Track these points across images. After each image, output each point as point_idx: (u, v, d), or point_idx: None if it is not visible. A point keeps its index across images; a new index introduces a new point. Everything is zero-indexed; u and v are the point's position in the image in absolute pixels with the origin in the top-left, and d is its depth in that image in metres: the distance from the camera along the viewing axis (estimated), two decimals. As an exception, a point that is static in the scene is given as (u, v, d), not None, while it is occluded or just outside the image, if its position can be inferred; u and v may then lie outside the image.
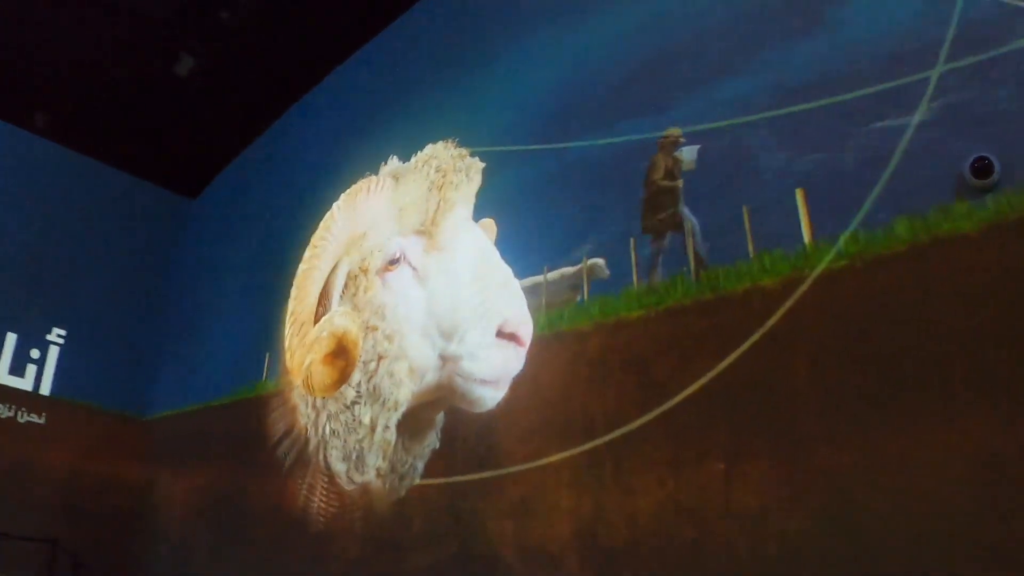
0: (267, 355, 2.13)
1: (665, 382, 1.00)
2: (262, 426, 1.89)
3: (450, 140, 1.41)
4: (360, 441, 1.50)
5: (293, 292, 1.50)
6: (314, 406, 1.60)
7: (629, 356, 1.07)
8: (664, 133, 1.09)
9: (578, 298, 1.16)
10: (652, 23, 1.19)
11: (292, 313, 1.45)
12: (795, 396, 0.87)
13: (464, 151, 1.42)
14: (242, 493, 1.95)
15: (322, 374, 1.34)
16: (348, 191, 1.54)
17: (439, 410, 1.43)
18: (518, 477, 1.19)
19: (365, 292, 1.45)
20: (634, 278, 1.05)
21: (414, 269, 1.43)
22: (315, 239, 1.51)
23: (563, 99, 1.35)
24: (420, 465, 1.45)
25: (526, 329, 1.18)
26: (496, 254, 1.29)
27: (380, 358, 1.39)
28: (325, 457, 1.62)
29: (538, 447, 1.17)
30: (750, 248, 0.97)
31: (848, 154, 0.90)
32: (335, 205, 1.51)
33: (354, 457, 1.54)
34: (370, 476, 1.49)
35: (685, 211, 1.00)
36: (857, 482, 0.80)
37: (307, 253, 1.45)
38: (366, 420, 1.46)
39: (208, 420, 2.18)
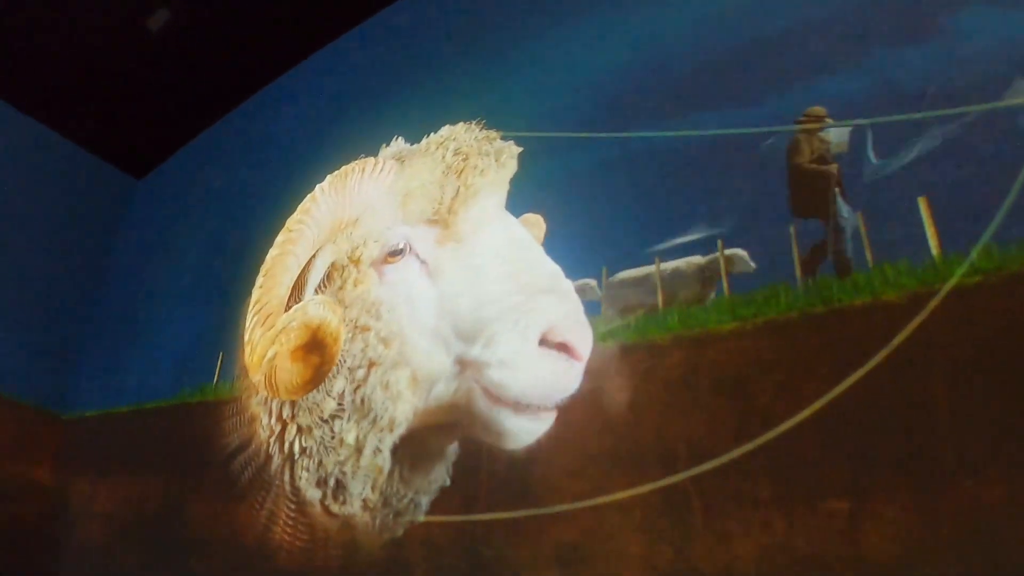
0: (220, 355, 1.80)
1: (769, 407, 0.88)
2: (210, 437, 1.58)
3: (473, 122, 1.27)
4: (341, 464, 1.22)
5: (260, 280, 1.24)
6: (279, 417, 1.31)
7: (721, 376, 0.94)
8: (804, 113, 0.99)
9: (711, 294, 0.99)
10: (744, 8, 1.14)
11: (257, 302, 1.18)
12: (931, 423, 0.77)
13: (493, 133, 1.27)
14: (179, 513, 1.62)
15: (290, 371, 1.07)
16: (336, 173, 1.33)
17: (450, 440, 1.17)
18: (567, 517, 0.99)
19: (355, 286, 1.21)
20: (796, 273, 0.90)
21: (423, 263, 1.21)
22: (291, 223, 1.27)
23: (627, 83, 1.25)
24: (424, 501, 1.21)
25: (580, 338, 1.00)
26: (539, 249, 1.14)
27: (372, 364, 1.14)
28: (292, 480, 1.32)
29: (596, 482, 0.99)
30: (868, 258, 0.89)
31: (972, 166, 0.86)
32: (318, 187, 1.30)
33: (332, 483, 1.25)
34: (354, 508, 1.22)
35: (840, 202, 0.89)
36: (1011, 520, 0.70)
37: (280, 238, 1.22)
38: (350, 439, 1.19)
39: (142, 424, 1.85)
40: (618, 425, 1.01)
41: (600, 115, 1.31)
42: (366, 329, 1.18)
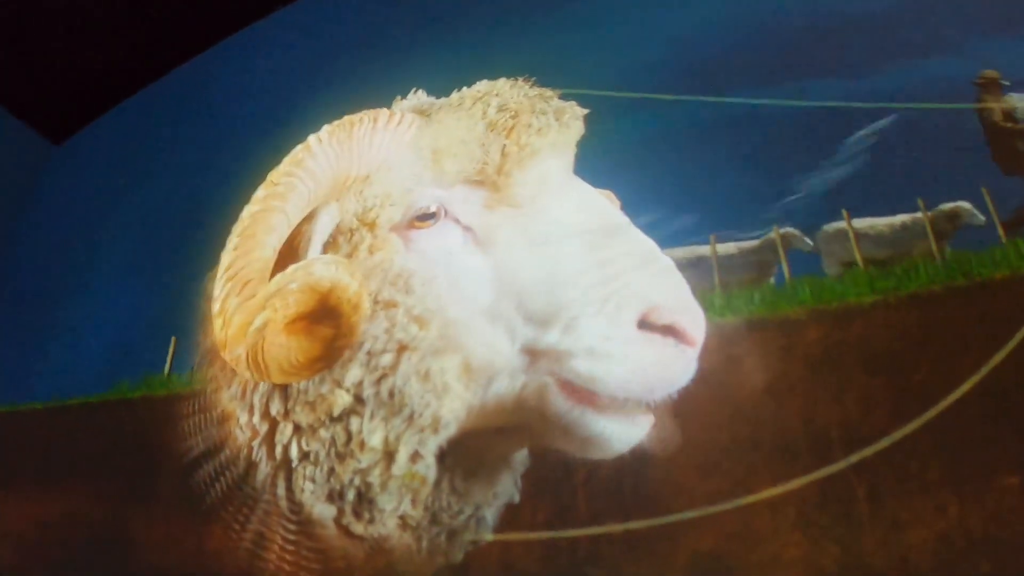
0: (173, 340, 1.51)
1: (925, 383, 0.86)
2: (160, 439, 1.29)
3: (520, 78, 1.16)
4: (363, 473, 0.98)
5: (233, 241, 0.99)
6: (266, 414, 1.05)
7: (870, 352, 0.90)
8: (980, 76, 1.00)
9: (771, 278, 0.98)
10: None
11: (229, 267, 0.92)
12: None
13: (548, 91, 1.16)
14: (120, 536, 1.32)
15: (286, 346, 0.83)
16: (336, 123, 1.13)
17: (516, 447, 1.00)
18: (703, 523, 0.89)
19: (370, 253, 1.00)
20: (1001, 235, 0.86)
21: (466, 229, 1.05)
22: (276, 176, 1.05)
23: (723, 42, 1.21)
24: (488, 515, 1.01)
25: (692, 320, 0.90)
26: (625, 220, 1.04)
27: (403, 349, 0.93)
28: (290, 493, 1.05)
29: (735, 479, 0.90)
30: (1000, 233, 0.93)
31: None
32: (313, 138, 1.10)
33: (351, 496, 1.00)
34: (388, 527, 0.97)
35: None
36: None
37: (261, 193, 0.99)
38: (375, 441, 0.95)
39: (64, 424, 1.52)
40: (756, 411, 0.92)
41: (686, 77, 1.26)
42: (391, 305, 0.97)
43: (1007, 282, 0.90)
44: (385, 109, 1.13)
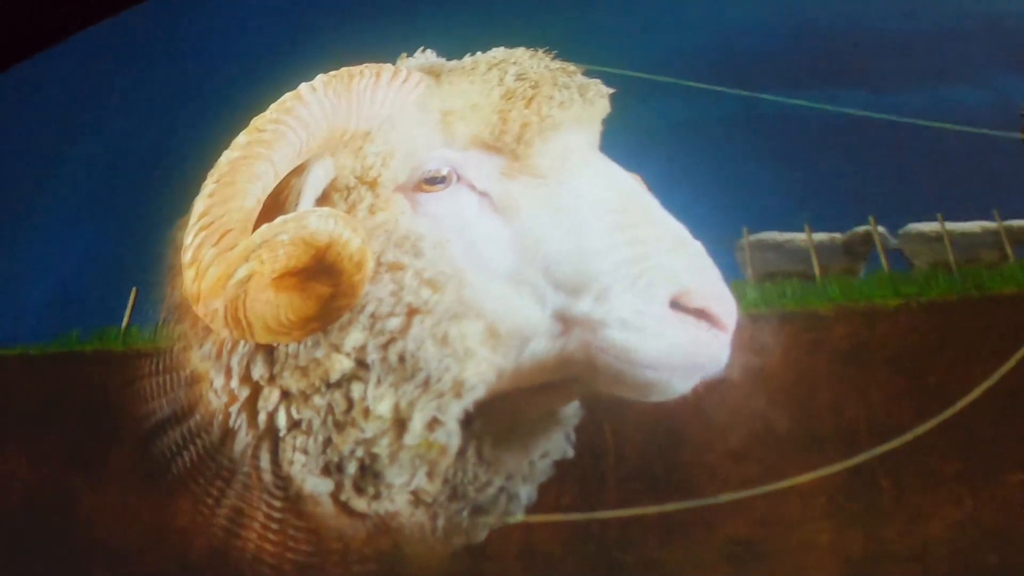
0: (134, 291, 1.33)
1: (942, 385, 0.95)
2: (117, 399, 1.13)
3: (539, 49, 1.16)
4: (367, 443, 0.92)
5: (209, 188, 0.93)
6: (246, 378, 0.95)
7: (893, 352, 0.99)
8: None
9: (861, 271, 1.03)
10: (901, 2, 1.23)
11: (204, 215, 0.86)
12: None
13: (571, 66, 1.17)
14: (68, 508, 1.15)
15: (274, 303, 0.77)
16: (334, 74, 1.10)
17: (565, 400, 0.97)
18: (737, 508, 0.91)
19: (371, 213, 0.97)
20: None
21: (482, 195, 1.05)
22: (262, 123, 1.00)
23: (760, 40, 1.25)
24: (523, 492, 0.97)
25: (724, 307, 0.94)
26: (654, 202, 1.06)
27: (413, 312, 0.90)
28: (275, 466, 0.96)
29: (768, 465, 0.93)
30: (1008, 251, 1.04)
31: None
32: (306, 86, 1.06)
33: (352, 470, 0.94)
34: (396, 504, 0.91)
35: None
36: None
37: (243, 139, 0.94)
38: (382, 409, 0.90)
39: (6, 375, 1.29)
40: (787, 401, 0.97)
41: (718, 69, 1.30)
42: (398, 267, 0.94)
43: (1015, 298, 1.01)
44: (389, 65, 1.09)
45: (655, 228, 0.96)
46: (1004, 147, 1.13)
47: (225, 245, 0.84)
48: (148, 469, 1.08)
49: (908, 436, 0.92)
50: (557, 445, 1.00)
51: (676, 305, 0.88)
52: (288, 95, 0.98)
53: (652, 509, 0.91)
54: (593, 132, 1.08)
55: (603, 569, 0.92)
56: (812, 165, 1.17)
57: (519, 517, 0.95)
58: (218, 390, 1.04)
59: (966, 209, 1.08)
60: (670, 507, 0.91)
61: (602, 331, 0.87)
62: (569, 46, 1.28)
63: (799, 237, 1.11)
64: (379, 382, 0.92)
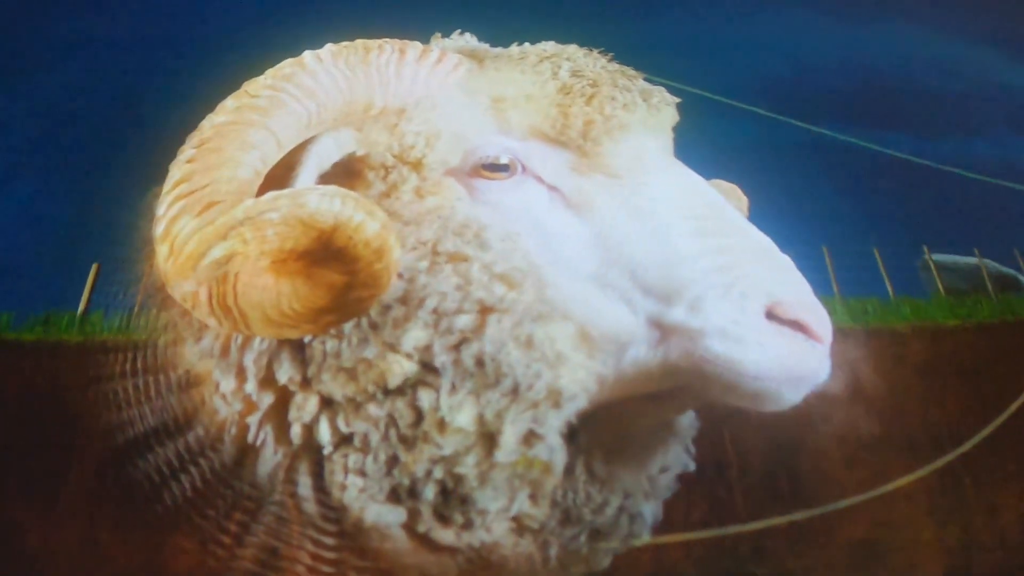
0: (94, 267, 1.07)
1: (999, 393, 1.16)
2: (75, 406, 0.86)
3: (593, 49, 1.25)
4: (448, 462, 0.85)
5: (189, 153, 0.87)
6: (268, 380, 0.84)
7: (959, 366, 1.19)
8: None
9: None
10: (952, 59, 1.52)
11: (182, 182, 0.79)
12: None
13: (630, 70, 1.26)
14: (11, 545, 0.81)
15: (274, 291, 0.71)
16: (345, 45, 1.10)
17: (679, 410, 0.99)
18: (853, 514, 1.01)
19: (419, 196, 0.96)
20: None
21: (552, 189, 1.08)
22: (254, 88, 0.96)
23: (824, 81, 1.48)
24: (647, 510, 0.95)
25: (818, 318, 1.06)
26: (738, 214, 1.16)
27: (487, 311, 0.86)
28: (319, 492, 0.83)
29: (875, 469, 1.05)
30: None
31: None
32: (310, 55, 1.04)
33: (429, 495, 0.84)
34: (494, 534, 0.84)
35: None
36: None
37: (230, 102, 0.88)
38: (462, 420, 0.83)
39: None
40: (883, 410, 1.13)
41: (786, 99, 1.48)
42: (460, 258, 0.91)
43: None
44: (416, 42, 1.09)
45: (741, 237, 1.03)
46: (1010, 196, 1.46)
47: (209, 219, 0.78)
48: (124, 497, 0.90)
49: (976, 439, 1.14)
50: (677, 458, 1.01)
51: (771, 316, 0.97)
52: (288, 61, 0.91)
53: (781, 519, 1.00)
54: (665, 138, 1.15)
55: (741, 583, 0.98)
56: (867, 195, 1.40)
57: (645, 539, 0.97)
58: (228, 395, 0.88)
59: (992, 247, 1.39)
60: (797, 516, 1.01)
61: (702, 341, 0.90)
62: (649, 60, 1.39)
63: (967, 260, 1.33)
64: (454, 389, 0.83)
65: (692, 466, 1.06)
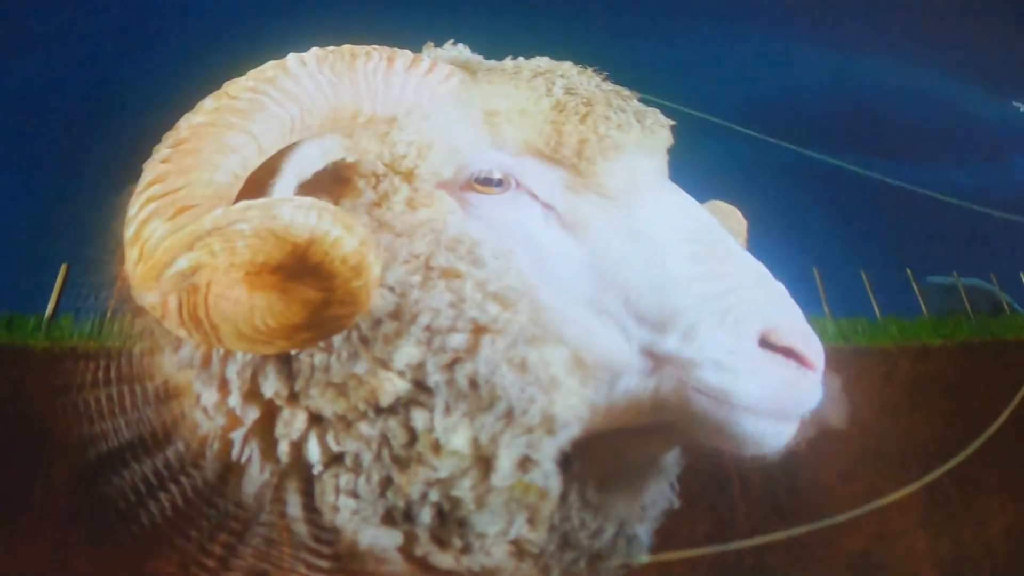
0: (63, 268, 1.02)
1: (980, 409, 1.24)
2: (41, 417, 0.81)
3: (588, 68, 1.30)
4: (444, 485, 0.85)
5: (163, 153, 0.87)
6: (252, 393, 0.83)
7: (944, 383, 1.26)
8: None
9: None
10: (943, 92, 1.70)
11: (155, 182, 0.78)
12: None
13: (625, 90, 1.30)
14: None
15: (247, 304, 0.70)
16: (329, 50, 1.11)
17: (664, 447, 1.01)
18: (854, 526, 1.06)
19: (410, 207, 0.97)
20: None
21: (547, 207, 1.10)
22: (234, 89, 0.97)
23: (818, 107, 1.58)
24: (642, 532, 0.97)
25: (811, 345, 1.11)
26: (732, 239, 1.22)
27: (480, 330, 0.88)
28: (309, 513, 0.81)
29: (868, 484, 1.11)
30: (1005, 307, 1.48)
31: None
32: (293, 58, 1.05)
33: (425, 518, 0.84)
34: (494, 557, 0.83)
35: None
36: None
37: (209, 103, 0.87)
38: (457, 443, 0.84)
39: None
40: (875, 426, 1.19)
41: (778, 123, 1.57)
42: (454, 275, 0.91)
43: (1017, 343, 1.41)
44: (405, 50, 1.10)
45: (736, 262, 1.08)
46: (986, 222, 1.59)
47: (181, 224, 0.77)
48: (97, 517, 0.85)
49: (961, 456, 1.21)
50: (658, 495, 1.06)
51: (764, 343, 1.01)
52: (270, 64, 0.90)
53: (782, 534, 1.04)
54: (660, 160, 1.19)
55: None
56: (854, 218, 1.50)
57: (645, 558, 0.99)
58: (209, 409, 0.84)
59: (969, 270, 1.50)
60: (797, 530, 1.05)
61: (695, 372, 0.92)
62: (641, 79, 1.46)
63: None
64: (448, 410, 0.82)
65: (676, 503, 1.06)
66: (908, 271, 1.50)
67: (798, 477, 1.13)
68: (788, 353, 1.01)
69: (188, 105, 0.89)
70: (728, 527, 1.04)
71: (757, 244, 1.37)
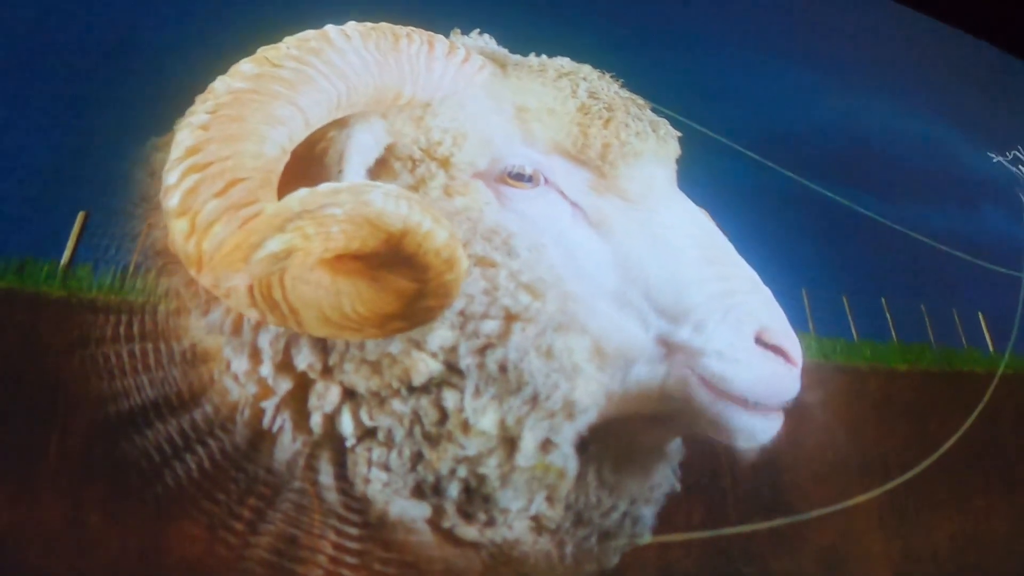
0: (81, 215, 1.00)
1: (935, 431, 1.48)
2: (56, 368, 0.91)
3: (605, 73, 1.36)
4: (472, 462, 0.94)
5: (202, 117, 0.85)
6: (286, 366, 0.85)
7: (905, 404, 1.48)
8: None
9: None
10: (934, 138, 1.92)
11: (196, 151, 0.76)
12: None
13: (640, 100, 1.39)
14: None
15: (333, 291, 0.74)
16: (371, 26, 1.13)
17: (669, 435, 1.10)
18: (823, 523, 1.24)
19: (447, 195, 1.02)
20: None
21: (575, 205, 1.21)
22: (276, 56, 0.97)
23: (815, 138, 1.77)
24: (648, 513, 1.08)
25: (795, 346, 1.29)
26: (731, 247, 1.34)
27: (512, 318, 0.92)
28: (342, 483, 0.87)
29: (840, 487, 1.29)
30: (963, 339, 1.69)
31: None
32: (335, 30, 1.05)
33: (454, 492, 0.93)
34: (515, 532, 0.92)
35: None
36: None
37: (247, 68, 0.82)
38: (485, 424, 0.90)
39: None
40: (846, 436, 1.37)
41: (779, 149, 1.74)
42: (489, 263, 0.94)
43: (970, 374, 1.64)
44: (441, 36, 1.17)
45: (737, 268, 1.26)
46: (952, 263, 1.82)
47: (236, 200, 0.71)
48: (118, 476, 0.85)
49: (917, 469, 1.42)
50: (663, 477, 1.20)
51: (758, 340, 1.19)
52: (311, 34, 0.87)
53: (764, 525, 1.20)
54: (671, 169, 1.34)
55: (730, 580, 1.17)
56: (842, 246, 1.69)
57: (648, 538, 1.12)
58: (240, 376, 0.87)
59: (938, 306, 1.72)
60: (777, 522, 1.22)
61: (702, 359, 1.08)
62: (649, 90, 1.59)
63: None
64: (478, 392, 0.89)
65: (678, 487, 1.21)
66: (883, 300, 1.71)
67: (780, 477, 1.30)
68: (777, 351, 1.21)
69: (214, 52, 0.92)
70: (719, 516, 1.20)
71: (750, 261, 1.55)
